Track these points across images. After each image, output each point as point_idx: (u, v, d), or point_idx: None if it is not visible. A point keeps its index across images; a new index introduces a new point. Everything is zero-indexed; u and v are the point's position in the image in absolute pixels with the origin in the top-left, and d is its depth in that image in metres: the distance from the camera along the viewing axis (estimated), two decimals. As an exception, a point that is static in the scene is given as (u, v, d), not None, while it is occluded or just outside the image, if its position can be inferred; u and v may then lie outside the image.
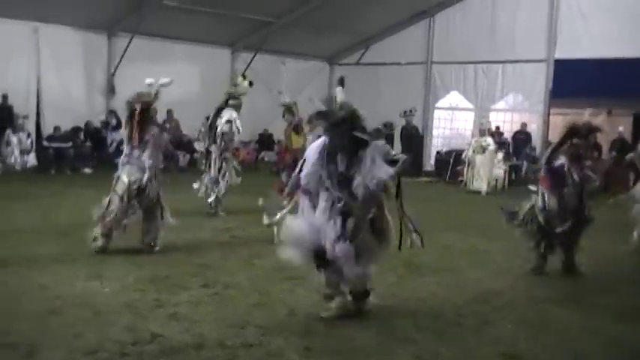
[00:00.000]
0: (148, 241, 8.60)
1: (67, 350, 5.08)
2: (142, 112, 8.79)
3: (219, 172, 11.89)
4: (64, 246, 8.71)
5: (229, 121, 11.81)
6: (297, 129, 10.95)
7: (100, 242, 8.39)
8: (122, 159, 8.78)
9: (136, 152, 8.65)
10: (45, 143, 18.66)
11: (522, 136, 21.09)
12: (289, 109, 11.32)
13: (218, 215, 11.77)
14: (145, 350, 5.11)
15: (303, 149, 12.80)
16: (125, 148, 8.79)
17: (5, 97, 18.14)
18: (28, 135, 18.25)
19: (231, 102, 12.05)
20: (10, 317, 5.80)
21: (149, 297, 6.50)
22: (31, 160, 17.99)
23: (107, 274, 7.29)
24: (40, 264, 7.71)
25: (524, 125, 21.16)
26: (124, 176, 8.53)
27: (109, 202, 8.45)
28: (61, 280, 7.02)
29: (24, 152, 17.98)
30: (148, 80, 9.32)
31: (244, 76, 12.56)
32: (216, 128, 11.89)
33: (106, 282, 7.02)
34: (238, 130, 11.94)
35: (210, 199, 11.86)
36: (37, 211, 11.36)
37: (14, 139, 17.78)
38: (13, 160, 17.75)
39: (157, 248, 8.61)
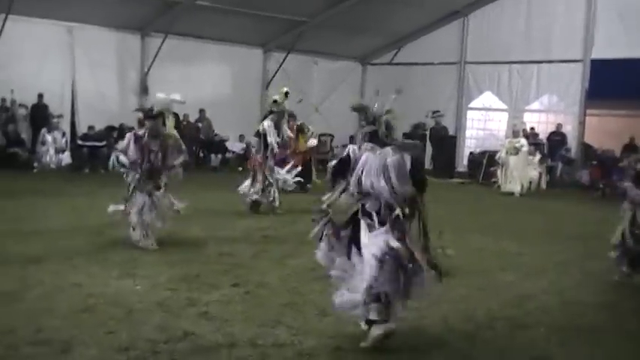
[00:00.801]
0: None
1: (99, 347, 5.14)
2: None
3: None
4: (98, 245, 8.81)
5: (260, 134, 12.14)
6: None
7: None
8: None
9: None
10: (79, 142, 18.91)
11: (557, 138, 20.87)
12: (291, 114, 11.62)
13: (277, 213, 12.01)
14: (176, 348, 5.15)
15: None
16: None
17: (41, 96, 18.41)
18: (63, 134, 18.50)
19: (274, 109, 12.32)
20: (45, 315, 5.87)
21: (181, 296, 6.55)
22: (66, 158, 18.24)
23: (139, 273, 7.36)
24: (74, 263, 7.80)
25: (559, 126, 20.95)
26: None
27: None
28: (94, 279, 7.10)
29: (59, 151, 18.23)
30: (160, 95, 9.47)
31: (287, 94, 12.68)
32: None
33: (139, 281, 7.08)
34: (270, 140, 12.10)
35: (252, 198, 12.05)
36: (71, 209, 11.50)
37: (49, 138, 18.03)
38: (48, 158, 18.01)
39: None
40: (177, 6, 19.27)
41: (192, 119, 20.63)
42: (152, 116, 9.17)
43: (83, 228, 9.76)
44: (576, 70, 20.69)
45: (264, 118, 12.55)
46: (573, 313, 6.84)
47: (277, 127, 12.22)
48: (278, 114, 12.29)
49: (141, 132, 9.27)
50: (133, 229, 8.82)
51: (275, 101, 12.38)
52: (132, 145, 9.05)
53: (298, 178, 12.80)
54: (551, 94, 21.87)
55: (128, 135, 9.45)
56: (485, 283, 7.80)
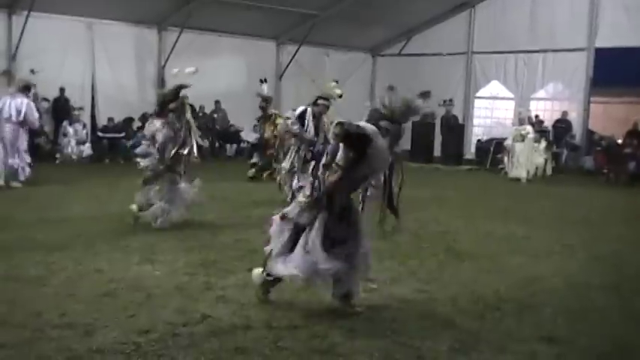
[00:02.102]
0: None
1: (121, 330, 5.16)
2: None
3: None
4: (118, 232, 8.85)
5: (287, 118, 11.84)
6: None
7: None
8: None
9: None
10: (99, 134, 19.00)
11: (563, 125, 20.78)
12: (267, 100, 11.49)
13: None
14: (195, 331, 5.17)
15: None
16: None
17: (62, 90, 18.49)
18: (84, 126, 18.59)
19: (320, 101, 11.52)
20: (69, 299, 5.91)
21: (198, 280, 6.57)
22: (87, 150, 18.32)
23: (158, 259, 7.39)
24: (96, 249, 7.85)
25: (564, 114, 20.85)
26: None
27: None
28: (115, 265, 7.13)
29: (80, 143, 18.32)
30: (174, 70, 9.51)
31: (337, 82, 12.47)
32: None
33: (158, 266, 7.11)
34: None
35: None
36: (92, 198, 11.56)
37: (71, 130, 18.13)
38: (69, 150, 18.11)
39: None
40: (193, 1, 19.29)
41: (207, 110, 20.67)
42: (174, 97, 9.23)
43: (104, 216, 9.80)
44: (581, 58, 20.57)
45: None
46: (579, 294, 6.81)
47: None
48: (322, 107, 12.00)
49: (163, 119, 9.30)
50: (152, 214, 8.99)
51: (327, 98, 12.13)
52: (163, 129, 9.13)
53: None
54: (556, 82, 21.78)
55: (155, 121, 9.46)
56: (493, 266, 7.78)
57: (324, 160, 5.69)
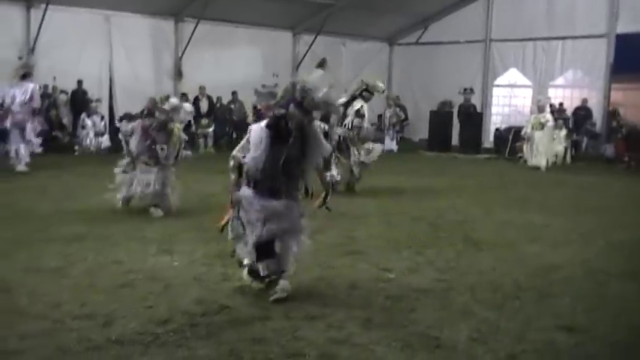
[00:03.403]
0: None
1: (140, 321, 5.20)
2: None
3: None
4: (136, 223, 8.90)
5: (362, 115, 12.03)
6: None
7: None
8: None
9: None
10: (117, 126, 19.03)
11: (582, 112, 20.59)
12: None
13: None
14: (213, 321, 5.20)
15: None
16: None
17: (80, 82, 18.57)
18: (102, 118, 18.67)
19: (365, 94, 12.17)
20: (88, 290, 5.96)
21: (216, 271, 6.59)
22: (105, 141, 18.37)
23: (176, 250, 7.42)
24: (114, 240, 7.89)
25: (584, 101, 20.65)
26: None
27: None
28: (133, 256, 7.17)
29: (98, 134, 18.40)
30: (174, 100, 10.19)
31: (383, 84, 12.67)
32: (347, 116, 12.06)
33: (176, 257, 7.14)
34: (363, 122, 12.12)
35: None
36: (110, 190, 11.59)
37: (89, 122, 18.22)
38: (88, 142, 18.20)
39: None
40: (209, -8, 19.28)
41: (224, 101, 20.70)
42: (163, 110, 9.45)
43: (122, 208, 9.83)
44: (601, 44, 20.34)
45: (355, 97, 12.32)
46: (598, 283, 6.76)
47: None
48: (367, 99, 12.18)
49: (148, 122, 9.48)
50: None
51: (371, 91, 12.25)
52: (137, 136, 9.54)
53: None
54: (575, 69, 21.59)
55: (134, 124, 9.81)
56: (512, 255, 7.76)
57: None
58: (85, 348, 4.66)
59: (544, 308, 5.86)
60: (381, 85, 12.61)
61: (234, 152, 5.71)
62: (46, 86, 17.88)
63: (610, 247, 8.32)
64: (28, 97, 13.75)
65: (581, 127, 20.39)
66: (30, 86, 13.89)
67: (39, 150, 14.39)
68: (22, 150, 13.68)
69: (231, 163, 5.68)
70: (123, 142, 10.05)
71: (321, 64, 7.58)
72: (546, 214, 10.54)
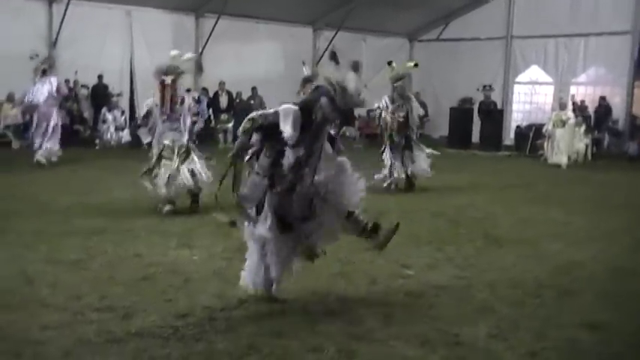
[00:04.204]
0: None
1: (159, 314, 5.21)
2: (173, 85, 9.37)
3: None
4: (157, 217, 8.94)
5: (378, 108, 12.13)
6: None
7: (167, 207, 9.19)
8: (160, 127, 9.42)
9: (173, 117, 9.38)
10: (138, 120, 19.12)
11: (602, 110, 20.41)
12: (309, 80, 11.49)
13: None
14: (232, 315, 5.21)
15: None
16: (158, 117, 9.39)
17: (100, 77, 18.68)
18: (122, 112, 18.77)
19: (396, 84, 12.14)
20: (109, 283, 5.99)
21: (236, 265, 6.55)
22: (125, 136, 18.47)
23: (196, 244, 7.44)
24: (135, 234, 7.94)
25: (602, 99, 20.46)
26: (168, 141, 9.28)
27: (162, 168, 9.21)
28: (153, 249, 7.21)
29: (119, 129, 18.50)
30: (173, 52, 9.90)
31: (416, 64, 12.98)
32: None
33: (196, 251, 7.16)
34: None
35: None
36: (131, 184, 11.62)
37: (109, 117, 18.33)
38: (108, 136, 18.31)
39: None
40: (230, -13, 19.31)
41: (244, 97, 20.72)
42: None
43: (142, 201, 9.85)
44: (625, 41, 20.15)
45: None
46: (622, 280, 6.71)
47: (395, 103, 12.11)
48: (398, 89, 12.13)
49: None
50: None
51: (400, 78, 12.19)
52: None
53: None
54: (598, 66, 21.38)
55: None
56: (533, 252, 7.71)
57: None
58: (104, 340, 4.68)
59: (565, 306, 5.82)
60: (411, 67, 12.56)
61: (254, 115, 5.37)
62: (67, 80, 17.98)
63: (632, 245, 8.24)
64: (54, 89, 14.10)
65: (602, 125, 20.19)
66: (54, 79, 14.20)
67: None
68: (47, 143, 13.91)
69: (248, 125, 5.27)
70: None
71: (355, 67, 7.50)
72: (568, 211, 10.45)
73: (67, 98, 14.92)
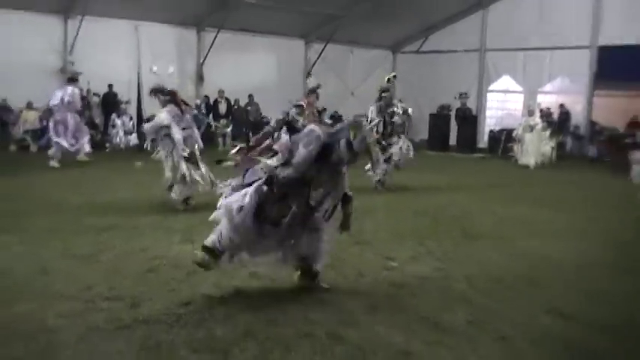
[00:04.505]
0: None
1: (164, 303, 5.18)
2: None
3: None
4: (161, 215, 8.88)
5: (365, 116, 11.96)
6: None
7: (182, 207, 9.19)
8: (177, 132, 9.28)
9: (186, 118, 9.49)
10: (144, 126, 19.07)
11: (562, 116, 20.53)
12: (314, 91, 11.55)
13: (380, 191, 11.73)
14: (230, 304, 5.18)
15: None
16: (172, 124, 9.23)
17: (110, 86, 18.61)
18: (130, 118, 18.70)
19: (383, 94, 12.08)
20: (117, 275, 5.95)
21: (233, 259, 6.56)
22: (133, 139, 18.38)
23: (198, 239, 7.33)
24: (141, 230, 7.89)
25: (561, 106, 20.57)
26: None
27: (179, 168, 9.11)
28: (158, 244, 7.16)
29: (127, 133, 18.43)
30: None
31: (395, 76, 12.73)
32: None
33: (197, 245, 7.09)
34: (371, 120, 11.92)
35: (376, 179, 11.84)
36: (138, 184, 11.59)
37: (119, 122, 18.26)
38: (118, 139, 18.23)
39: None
40: (229, 4, 19.27)
41: (242, 104, 20.70)
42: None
43: (148, 200, 9.83)
44: (585, 55, 20.27)
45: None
46: (586, 271, 6.72)
47: (382, 112, 12.01)
48: (385, 99, 12.03)
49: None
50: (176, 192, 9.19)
51: (386, 90, 12.08)
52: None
53: None
54: (562, 77, 21.46)
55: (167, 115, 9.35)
56: (506, 246, 7.70)
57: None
58: (114, 327, 4.66)
59: (534, 295, 5.82)
60: (391, 79, 12.50)
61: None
62: (80, 89, 17.91)
63: (596, 240, 8.25)
64: (68, 99, 14.11)
65: (563, 129, 20.27)
66: (70, 90, 14.21)
67: (73, 150, 14.52)
68: (81, 141, 14.24)
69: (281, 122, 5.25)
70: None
71: (313, 91, 7.55)
72: (537, 208, 10.48)
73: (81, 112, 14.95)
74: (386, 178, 11.94)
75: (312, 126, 5.35)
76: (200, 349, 4.33)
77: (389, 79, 12.21)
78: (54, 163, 13.75)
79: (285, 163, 5.23)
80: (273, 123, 5.36)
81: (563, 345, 4.68)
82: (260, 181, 5.29)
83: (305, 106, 11.08)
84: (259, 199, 5.25)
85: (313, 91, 12.43)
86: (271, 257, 5.62)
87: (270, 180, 5.26)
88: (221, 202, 5.46)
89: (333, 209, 5.48)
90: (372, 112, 12.04)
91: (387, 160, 11.87)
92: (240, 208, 5.22)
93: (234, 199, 5.32)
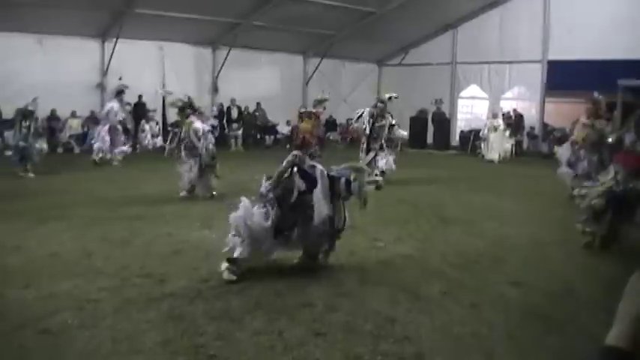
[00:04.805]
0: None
1: (187, 279, 5.20)
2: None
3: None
4: (183, 206, 8.89)
5: (359, 117, 11.79)
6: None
7: (184, 193, 9.53)
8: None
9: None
10: (169, 129, 19.01)
11: (517, 118, 20.47)
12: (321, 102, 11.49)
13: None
14: (243, 280, 5.18)
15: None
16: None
17: (140, 96, 18.51)
18: (157, 123, 18.63)
19: (378, 104, 11.83)
20: (146, 256, 5.96)
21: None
22: (159, 141, 18.33)
23: (215, 225, 7.38)
24: (166, 218, 7.89)
25: (514, 110, 20.51)
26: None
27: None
28: (181, 230, 7.17)
29: (154, 136, 18.36)
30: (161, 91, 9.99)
31: (390, 98, 12.17)
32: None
33: (214, 231, 7.12)
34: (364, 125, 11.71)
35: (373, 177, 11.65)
36: (163, 179, 11.57)
37: (147, 127, 18.18)
38: (146, 142, 18.15)
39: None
40: (239, 26, 19.21)
41: (250, 110, 20.67)
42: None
43: (172, 193, 9.79)
44: (537, 68, 20.28)
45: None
46: (540, 248, 6.77)
47: (372, 117, 11.71)
48: (379, 109, 11.75)
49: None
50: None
51: (383, 102, 11.85)
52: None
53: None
54: (520, 86, 21.42)
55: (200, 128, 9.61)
56: (473, 229, 7.73)
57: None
58: (145, 299, 4.68)
59: (498, 269, 5.85)
60: (387, 95, 12.31)
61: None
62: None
63: (548, 223, 8.28)
64: (105, 110, 14.35)
65: (518, 129, 20.20)
66: (111, 104, 14.34)
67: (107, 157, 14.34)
68: (105, 146, 14.05)
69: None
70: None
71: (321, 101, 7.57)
72: (499, 196, 10.49)
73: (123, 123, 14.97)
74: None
75: (319, 167, 5.43)
76: (217, 317, 4.35)
77: (390, 98, 12.03)
78: (95, 157, 13.88)
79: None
80: (284, 163, 5.38)
81: (521, 310, 4.71)
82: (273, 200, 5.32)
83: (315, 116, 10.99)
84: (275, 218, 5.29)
85: (321, 102, 12.30)
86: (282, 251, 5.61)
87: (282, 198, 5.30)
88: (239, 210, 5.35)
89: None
90: (366, 113, 11.76)
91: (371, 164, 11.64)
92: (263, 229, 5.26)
93: (256, 219, 5.26)
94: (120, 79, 15.10)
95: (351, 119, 13.06)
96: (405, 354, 3.82)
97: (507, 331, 4.26)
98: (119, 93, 14.55)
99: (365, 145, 11.76)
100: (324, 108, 11.82)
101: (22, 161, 11.68)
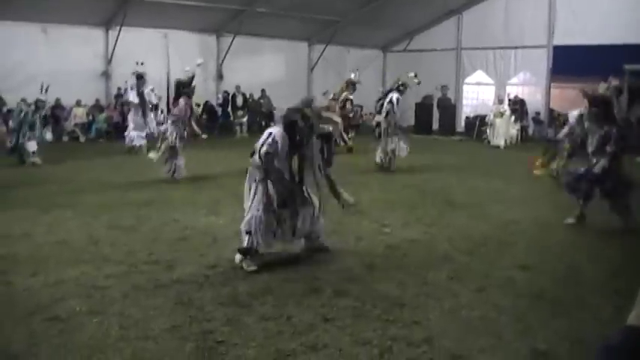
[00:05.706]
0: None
1: (194, 265, 5.19)
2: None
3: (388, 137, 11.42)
4: (190, 192, 8.88)
5: (390, 102, 11.48)
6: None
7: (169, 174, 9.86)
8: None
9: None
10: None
11: (518, 104, 20.33)
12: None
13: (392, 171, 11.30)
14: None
15: None
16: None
17: (145, 85, 18.50)
18: (162, 111, 18.54)
19: (401, 88, 11.75)
20: (153, 243, 5.95)
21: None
22: (164, 129, 18.27)
23: (221, 211, 7.39)
24: (174, 204, 7.88)
25: (516, 96, 20.36)
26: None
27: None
28: (188, 216, 7.15)
29: (159, 124, 18.26)
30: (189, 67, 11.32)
31: (416, 75, 12.24)
32: (382, 105, 11.59)
33: (221, 217, 7.12)
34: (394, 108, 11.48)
35: (378, 160, 11.49)
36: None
37: (151, 115, 18.13)
38: (151, 129, 18.13)
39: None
40: (243, 13, 19.09)
41: (255, 97, 20.60)
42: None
43: (177, 180, 9.79)
44: (543, 53, 20.11)
45: (391, 90, 11.81)
46: (546, 232, 6.75)
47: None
48: (402, 91, 11.77)
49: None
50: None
51: (406, 86, 11.82)
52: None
53: None
54: (525, 72, 21.27)
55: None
56: (480, 213, 7.70)
57: None
58: (153, 286, 4.67)
59: (504, 252, 5.83)
60: (413, 78, 12.20)
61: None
62: (119, 88, 17.89)
63: (554, 206, 8.21)
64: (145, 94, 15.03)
65: (521, 115, 20.05)
66: (146, 89, 15.08)
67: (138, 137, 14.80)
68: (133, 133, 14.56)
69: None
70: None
71: (308, 103, 7.43)
72: (505, 181, 10.44)
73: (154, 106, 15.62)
74: (386, 161, 11.50)
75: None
76: (226, 303, 4.33)
77: (419, 82, 11.89)
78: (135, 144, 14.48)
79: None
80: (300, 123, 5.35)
81: (528, 293, 4.69)
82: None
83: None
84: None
85: (353, 84, 12.20)
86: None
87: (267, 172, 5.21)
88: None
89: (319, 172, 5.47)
90: (397, 99, 11.52)
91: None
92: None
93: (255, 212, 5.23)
94: (142, 63, 15.10)
95: (358, 106, 12.90)
96: (414, 338, 3.80)
97: (515, 314, 4.24)
98: (140, 77, 14.64)
99: (384, 130, 11.50)
100: (355, 89, 11.87)
101: (13, 153, 11.66)
